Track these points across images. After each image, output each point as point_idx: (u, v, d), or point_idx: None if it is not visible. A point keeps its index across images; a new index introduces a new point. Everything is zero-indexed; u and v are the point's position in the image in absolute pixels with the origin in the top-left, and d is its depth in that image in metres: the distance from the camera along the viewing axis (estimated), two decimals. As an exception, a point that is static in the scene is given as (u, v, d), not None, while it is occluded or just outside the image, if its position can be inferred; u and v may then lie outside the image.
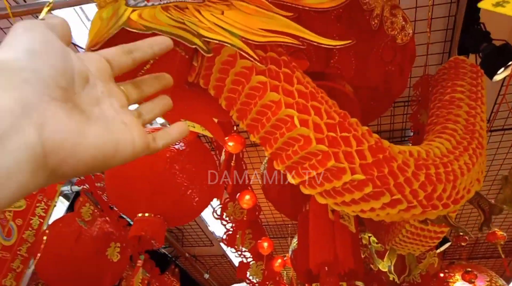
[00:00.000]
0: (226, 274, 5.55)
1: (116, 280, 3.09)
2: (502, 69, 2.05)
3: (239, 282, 4.94)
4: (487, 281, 3.72)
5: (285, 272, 3.93)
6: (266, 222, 4.50)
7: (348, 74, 1.39)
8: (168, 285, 4.12)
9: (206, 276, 5.14)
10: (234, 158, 2.02)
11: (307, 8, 0.93)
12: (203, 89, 0.99)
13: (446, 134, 1.21)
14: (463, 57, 1.62)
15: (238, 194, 2.24)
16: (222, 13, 0.84)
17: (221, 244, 5.01)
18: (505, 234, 2.20)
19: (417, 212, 0.96)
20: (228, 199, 2.47)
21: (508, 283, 4.71)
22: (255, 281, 2.83)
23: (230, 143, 1.98)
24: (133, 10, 0.80)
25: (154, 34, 0.78)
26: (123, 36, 0.78)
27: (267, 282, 2.80)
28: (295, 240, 2.93)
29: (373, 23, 1.32)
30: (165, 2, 0.83)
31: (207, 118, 1.04)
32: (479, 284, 3.70)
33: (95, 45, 0.77)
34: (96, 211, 2.73)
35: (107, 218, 2.83)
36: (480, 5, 0.71)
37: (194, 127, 1.16)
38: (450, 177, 1.02)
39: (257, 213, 2.57)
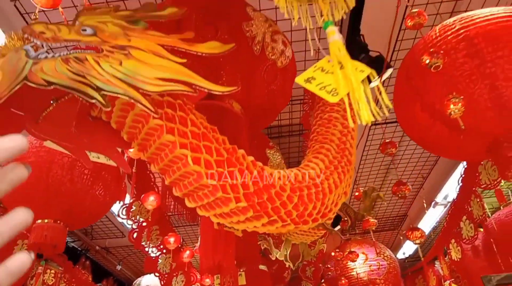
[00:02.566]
0: (140, 263, 5.55)
1: (24, 278, 2.98)
2: (376, 78, 2.34)
3: (151, 273, 5.01)
4: (376, 253, 4.25)
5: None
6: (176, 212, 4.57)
7: (235, 94, 1.51)
8: (80, 278, 4.04)
9: (119, 267, 5.11)
10: (135, 163, 2.07)
11: (199, 54, 1.02)
12: (106, 122, 1.05)
13: (322, 154, 1.39)
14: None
15: (143, 195, 2.29)
16: (121, 64, 0.89)
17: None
18: (375, 221, 2.58)
19: (291, 228, 1.14)
20: (133, 199, 2.51)
21: (395, 253, 5.43)
22: (164, 273, 2.93)
23: (131, 150, 2.02)
24: (34, 63, 0.83)
25: (55, 89, 0.82)
26: (26, 89, 0.81)
27: (176, 273, 2.92)
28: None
29: (255, 48, 1.46)
30: (65, 53, 0.87)
31: (111, 148, 1.09)
32: (371, 256, 4.22)
33: (-3, 99, 0.78)
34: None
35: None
36: (296, 80, 0.85)
37: (98, 158, 1.19)
38: (320, 196, 1.22)
39: (164, 211, 2.65)
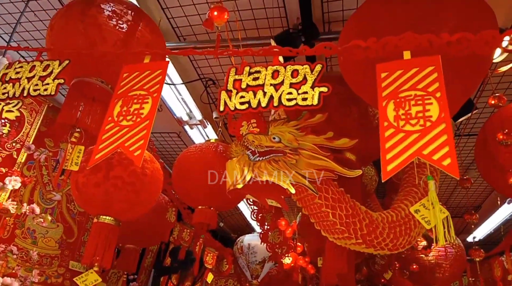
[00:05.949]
0: (237, 223, 6.62)
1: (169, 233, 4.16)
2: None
3: (250, 232, 6.06)
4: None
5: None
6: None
7: (356, 149, 2.19)
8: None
9: (221, 224, 6.21)
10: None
11: (337, 148, 1.75)
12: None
13: (411, 196, 2.06)
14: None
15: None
16: (296, 162, 1.66)
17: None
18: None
19: (388, 253, 1.86)
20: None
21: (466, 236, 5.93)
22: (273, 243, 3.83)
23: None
24: (254, 164, 1.62)
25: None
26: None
27: (281, 246, 3.80)
28: (299, 215, 3.90)
29: (375, 122, 2.12)
30: (267, 157, 1.64)
31: (279, 197, 1.87)
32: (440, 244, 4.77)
33: (233, 187, 1.59)
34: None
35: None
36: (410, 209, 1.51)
37: (272, 202, 1.98)
38: (408, 231, 1.90)
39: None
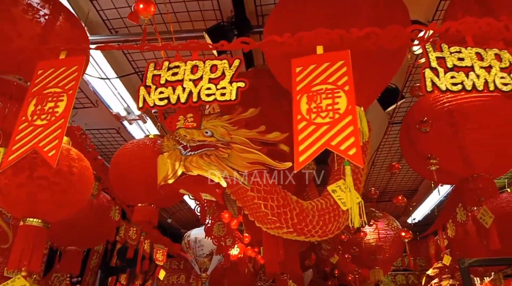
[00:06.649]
0: (187, 218, 6.58)
1: (115, 232, 4.02)
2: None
3: (198, 226, 6.03)
4: (385, 223, 5.07)
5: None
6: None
7: (287, 140, 2.25)
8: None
9: (169, 220, 6.14)
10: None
11: (269, 141, 1.79)
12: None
13: None
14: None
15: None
16: (228, 155, 1.68)
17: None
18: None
19: (319, 239, 1.94)
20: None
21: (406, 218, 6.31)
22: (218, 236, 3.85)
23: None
24: (185, 158, 1.61)
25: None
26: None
27: (226, 237, 3.83)
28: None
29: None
30: (199, 151, 1.65)
31: (213, 191, 1.88)
32: (380, 226, 5.04)
33: (165, 182, 1.58)
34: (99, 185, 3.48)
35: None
36: (328, 188, 1.58)
37: (206, 196, 1.98)
38: (336, 218, 1.99)
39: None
